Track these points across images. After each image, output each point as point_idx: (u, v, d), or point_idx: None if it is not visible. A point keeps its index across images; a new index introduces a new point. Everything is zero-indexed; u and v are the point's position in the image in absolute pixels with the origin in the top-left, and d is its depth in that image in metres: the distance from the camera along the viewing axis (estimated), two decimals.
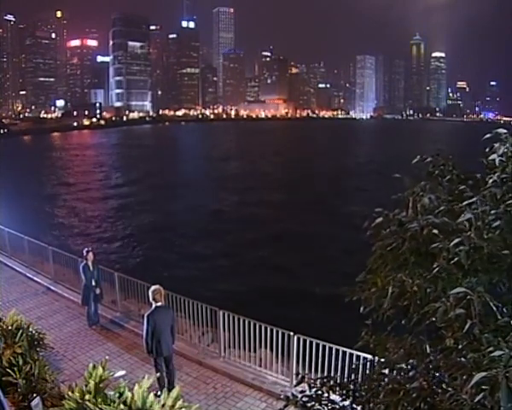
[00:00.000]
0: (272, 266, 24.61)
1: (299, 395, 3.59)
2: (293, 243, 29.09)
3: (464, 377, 2.26)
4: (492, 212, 2.73)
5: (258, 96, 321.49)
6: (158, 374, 8.34)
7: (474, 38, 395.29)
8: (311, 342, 8.48)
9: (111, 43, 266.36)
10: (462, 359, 2.43)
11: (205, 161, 78.12)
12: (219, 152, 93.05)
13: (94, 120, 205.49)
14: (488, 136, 3.21)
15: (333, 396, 3.62)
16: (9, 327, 8.77)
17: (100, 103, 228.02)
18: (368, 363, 6.12)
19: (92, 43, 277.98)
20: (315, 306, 18.38)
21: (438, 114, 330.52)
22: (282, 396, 7.61)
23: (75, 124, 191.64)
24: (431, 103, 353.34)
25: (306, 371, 8.28)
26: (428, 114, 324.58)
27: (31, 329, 9.13)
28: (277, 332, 8.92)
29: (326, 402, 3.55)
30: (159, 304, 8.53)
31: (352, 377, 3.87)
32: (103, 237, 33.65)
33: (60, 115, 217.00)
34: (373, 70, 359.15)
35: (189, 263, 25.66)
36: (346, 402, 3.56)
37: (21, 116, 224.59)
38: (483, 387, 2.06)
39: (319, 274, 22.72)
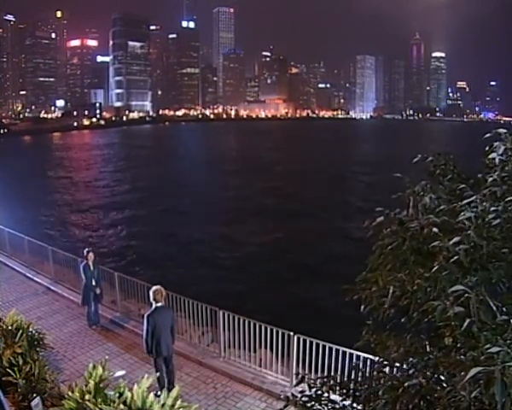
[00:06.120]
0: (272, 266, 24.61)
1: (299, 395, 3.59)
2: (293, 242, 29.09)
3: (462, 373, 2.26)
4: (492, 210, 2.73)
5: (258, 96, 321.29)
6: (158, 374, 8.34)
7: (473, 38, 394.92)
8: (311, 342, 8.47)
9: (111, 43, 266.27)
10: (462, 357, 2.44)
11: (205, 161, 78.10)
12: (220, 152, 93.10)
13: (94, 119, 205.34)
14: (488, 135, 3.22)
15: (333, 396, 3.62)
16: (9, 327, 8.78)
17: (100, 103, 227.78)
18: (368, 362, 6.15)
19: (92, 43, 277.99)
20: (315, 306, 18.38)
21: (438, 114, 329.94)
22: (281, 396, 7.61)
23: (75, 124, 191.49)
24: (431, 103, 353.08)
25: (306, 372, 8.28)
26: (428, 114, 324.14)
27: (31, 329, 9.13)
28: (277, 332, 8.91)
29: (326, 402, 3.55)
30: (159, 304, 8.53)
31: (353, 375, 3.87)
32: (103, 236, 33.65)
33: (60, 115, 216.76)
34: (373, 70, 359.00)
35: (189, 263, 25.66)
36: (347, 402, 3.56)
37: (21, 116, 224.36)
38: (480, 382, 2.07)
39: (319, 274, 22.72)
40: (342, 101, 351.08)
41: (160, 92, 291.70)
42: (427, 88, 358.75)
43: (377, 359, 3.50)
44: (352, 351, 7.60)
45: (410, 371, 2.92)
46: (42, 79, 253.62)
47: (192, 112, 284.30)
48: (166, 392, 6.45)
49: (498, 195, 2.88)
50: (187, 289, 11.68)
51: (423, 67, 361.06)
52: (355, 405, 3.49)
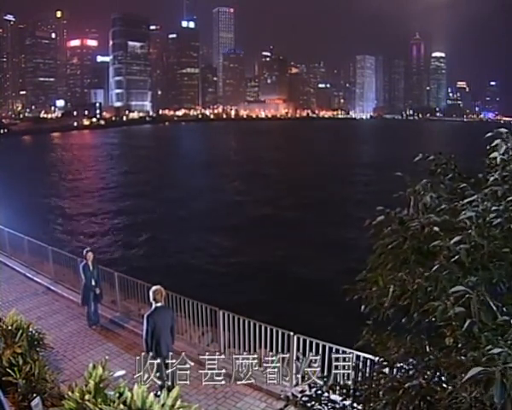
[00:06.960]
0: (272, 266, 24.59)
1: (299, 395, 3.58)
2: (293, 242, 29.06)
3: (463, 374, 2.26)
4: (493, 209, 2.72)
5: (258, 96, 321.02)
6: (158, 374, 8.32)
7: (474, 38, 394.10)
8: (311, 342, 8.46)
9: (111, 43, 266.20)
10: (462, 357, 2.43)
11: (205, 161, 78.02)
12: (219, 152, 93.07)
13: (94, 119, 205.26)
14: (489, 135, 3.21)
15: (333, 396, 3.61)
16: (9, 327, 8.78)
17: (100, 103, 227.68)
18: (368, 362, 6.14)
19: (92, 43, 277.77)
20: (315, 305, 18.36)
21: (438, 114, 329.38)
22: (282, 396, 7.60)
23: (75, 124, 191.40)
24: (431, 103, 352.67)
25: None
26: (428, 114, 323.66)
27: (31, 329, 9.12)
28: (277, 332, 8.90)
29: (326, 402, 3.54)
30: (159, 304, 8.52)
31: (353, 375, 3.87)
32: (103, 236, 33.65)
33: (60, 115, 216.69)
34: (373, 70, 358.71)
35: (189, 263, 25.65)
36: (347, 402, 3.55)
37: (21, 116, 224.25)
38: (480, 383, 2.06)
39: (319, 274, 22.70)
40: (342, 101, 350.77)
41: (159, 92, 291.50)
42: (427, 88, 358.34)
43: (377, 359, 3.49)
44: (351, 351, 7.59)
45: (411, 372, 2.91)
46: (42, 79, 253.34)
47: (192, 112, 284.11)
48: (166, 392, 6.45)
49: (499, 194, 2.87)
50: (187, 290, 11.66)
51: (423, 67, 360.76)
52: (355, 405, 3.48)
